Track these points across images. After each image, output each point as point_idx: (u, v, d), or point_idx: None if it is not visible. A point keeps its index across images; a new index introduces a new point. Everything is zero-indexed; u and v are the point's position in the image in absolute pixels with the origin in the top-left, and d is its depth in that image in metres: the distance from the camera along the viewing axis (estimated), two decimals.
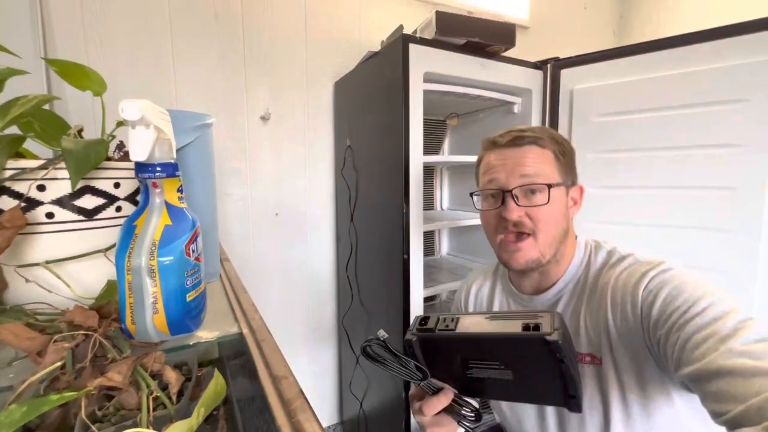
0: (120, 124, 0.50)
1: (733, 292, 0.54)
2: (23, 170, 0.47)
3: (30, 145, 0.57)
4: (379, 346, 0.48)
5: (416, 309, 1.14)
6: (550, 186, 0.63)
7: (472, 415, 0.56)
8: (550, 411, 0.68)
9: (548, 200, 0.63)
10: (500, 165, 0.66)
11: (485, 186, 0.68)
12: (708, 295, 0.49)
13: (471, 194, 0.73)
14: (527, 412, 0.71)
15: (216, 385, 0.35)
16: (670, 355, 0.49)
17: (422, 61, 1.07)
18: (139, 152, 0.41)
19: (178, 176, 0.47)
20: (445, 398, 0.55)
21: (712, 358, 0.42)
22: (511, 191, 0.63)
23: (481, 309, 0.81)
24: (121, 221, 0.47)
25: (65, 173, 0.47)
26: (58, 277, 0.50)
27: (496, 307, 0.79)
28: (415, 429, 1.16)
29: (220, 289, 0.67)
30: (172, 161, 0.46)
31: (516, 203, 0.63)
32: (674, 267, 0.56)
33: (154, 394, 0.38)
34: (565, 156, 0.67)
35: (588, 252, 0.68)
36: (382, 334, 0.49)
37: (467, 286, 0.87)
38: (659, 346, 0.52)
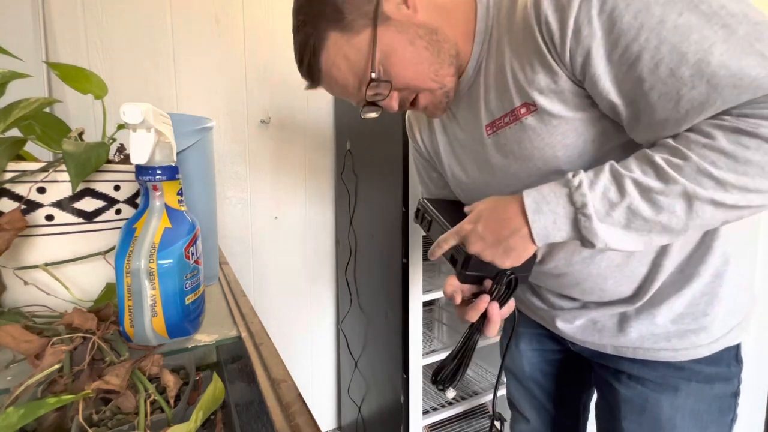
0: (121, 127, 0.51)
1: None
2: (24, 173, 0.47)
3: (31, 147, 0.57)
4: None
5: (415, 314, 1.14)
6: (368, 72, 0.49)
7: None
8: None
9: (382, 69, 0.49)
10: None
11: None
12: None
13: None
14: None
15: (214, 389, 0.35)
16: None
17: None
18: (139, 155, 0.41)
19: (178, 179, 0.47)
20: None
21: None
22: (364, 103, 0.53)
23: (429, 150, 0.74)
24: (121, 224, 0.47)
25: (65, 176, 0.47)
26: (57, 279, 0.50)
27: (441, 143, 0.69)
28: None
29: (219, 293, 0.67)
30: (173, 164, 0.46)
31: (381, 101, 0.53)
32: None
33: (151, 398, 0.38)
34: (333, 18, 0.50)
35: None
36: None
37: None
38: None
